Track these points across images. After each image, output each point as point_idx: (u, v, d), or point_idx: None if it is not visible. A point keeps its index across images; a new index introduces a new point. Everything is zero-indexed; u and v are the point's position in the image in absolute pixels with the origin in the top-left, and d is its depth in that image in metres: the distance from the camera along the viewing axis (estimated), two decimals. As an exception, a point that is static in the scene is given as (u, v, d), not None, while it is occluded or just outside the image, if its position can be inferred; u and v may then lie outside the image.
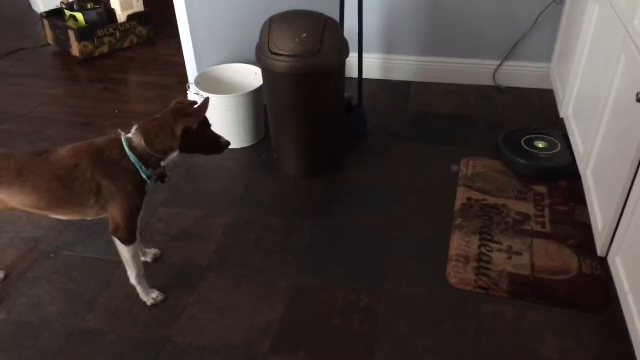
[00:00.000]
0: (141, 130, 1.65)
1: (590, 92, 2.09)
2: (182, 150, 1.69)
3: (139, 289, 1.81)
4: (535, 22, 2.77)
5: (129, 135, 1.66)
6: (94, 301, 1.85)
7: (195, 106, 1.69)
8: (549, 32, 2.78)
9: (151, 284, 1.86)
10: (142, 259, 1.95)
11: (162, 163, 1.70)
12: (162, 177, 1.73)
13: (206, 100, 1.69)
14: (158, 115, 1.68)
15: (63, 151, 1.65)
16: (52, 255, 2.03)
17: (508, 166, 2.35)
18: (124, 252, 1.73)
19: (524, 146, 2.38)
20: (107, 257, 1.99)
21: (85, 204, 1.63)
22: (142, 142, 1.64)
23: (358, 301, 1.82)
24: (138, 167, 1.64)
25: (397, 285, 1.88)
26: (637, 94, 1.49)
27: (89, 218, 1.71)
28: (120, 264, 1.82)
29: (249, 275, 1.93)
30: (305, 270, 1.95)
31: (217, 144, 1.79)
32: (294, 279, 1.92)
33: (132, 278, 1.79)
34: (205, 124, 1.73)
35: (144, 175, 1.66)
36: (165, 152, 1.68)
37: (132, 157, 1.64)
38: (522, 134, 2.45)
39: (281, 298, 1.84)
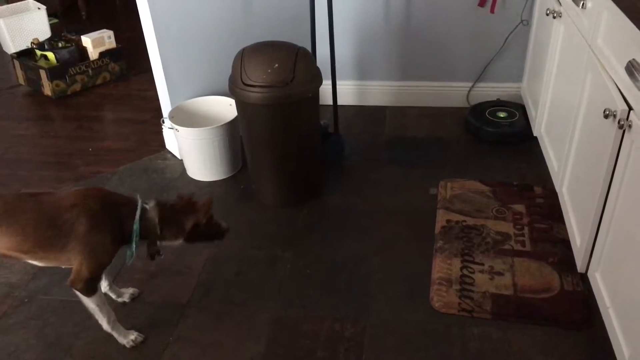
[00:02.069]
0: (159, 210, 1.67)
1: (560, 110, 2.12)
2: (187, 240, 1.73)
3: (115, 334, 1.76)
4: (504, 43, 2.82)
5: (148, 205, 1.67)
6: (71, 346, 1.80)
7: (203, 202, 1.74)
8: (518, 52, 2.84)
9: (130, 325, 1.81)
10: (120, 299, 1.91)
11: (162, 243, 1.71)
12: (153, 255, 1.72)
13: (210, 199, 1.75)
14: (172, 202, 1.72)
15: (64, 193, 1.64)
16: (27, 300, 1.98)
17: (477, 135, 2.73)
18: (88, 303, 1.68)
19: (489, 117, 2.74)
20: (84, 299, 1.94)
21: (66, 247, 1.59)
22: (156, 221, 1.65)
23: (342, 331, 1.80)
24: (133, 237, 1.63)
25: (382, 312, 1.86)
26: (604, 111, 1.51)
27: (63, 266, 1.67)
28: (97, 306, 1.77)
29: (231, 310, 1.90)
30: (288, 301, 1.92)
31: (219, 231, 1.83)
32: (276, 311, 1.89)
33: (105, 325, 1.74)
34: (210, 216, 1.78)
35: (133, 247, 1.65)
36: (170, 238, 1.71)
37: (136, 226, 1.63)
38: (486, 107, 2.82)
39: (264, 332, 1.81)
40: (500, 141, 2.67)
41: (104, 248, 1.61)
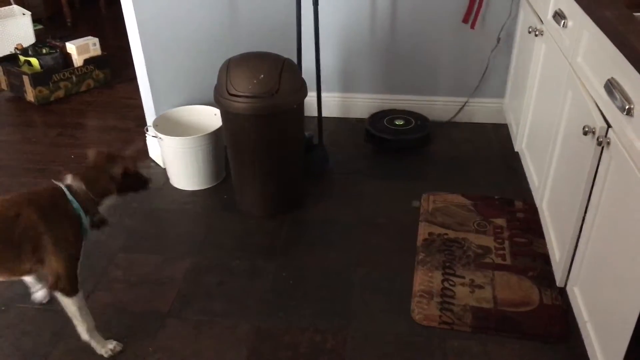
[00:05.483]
0: (80, 177, 1.67)
1: (541, 126, 2.15)
2: (119, 191, 1.73)
3: (93, 343, 1.74)
4: (488, 60, 2.86)
5: (68, 182, 1.66)
6: (48, 356, 1.77)
7: (131, 149, 1.73)
8: (501, 69, 2.88)
9: (109, 335, 1.79)
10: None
11: (100, 208, 1.71)
12: (98, 225, 1.72)
13: (138, 142, 1.73)
14: (90, 164, 1.72)
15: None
16: (3, 308, 1.95)
17: (377, 146, 2.76)
18: (70, 305, 1.67)
19: (388, 125, 2.78)
20: (60, 307, 1.89)
21: (22, 257, 1.57)
22: (84, 187, 1.65)
23: (323, 343, 1.80)
24: (82, 215, 1.63)
25: (363, 324, 1.86)
26: (583, 128, 1.54)
27: (16, 277, 1.65)
28: (75, 315, 1.75)
29: (211, 321, 1.89)
30: (269, 313, 1.92)
31: (143, 179, 1.85)
32: (257, 322, 1.88)
33: (84, 333, 1.72)
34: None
35: (85, 222, 1.65)
36: (103, 196, 1.70)
37: (75, 204, 1.63)
38: (383, 116, 2.87)
39: (245, 343, 1.80)
40: (401, 149, 2.75)
41: (67, 241, 1.60)
